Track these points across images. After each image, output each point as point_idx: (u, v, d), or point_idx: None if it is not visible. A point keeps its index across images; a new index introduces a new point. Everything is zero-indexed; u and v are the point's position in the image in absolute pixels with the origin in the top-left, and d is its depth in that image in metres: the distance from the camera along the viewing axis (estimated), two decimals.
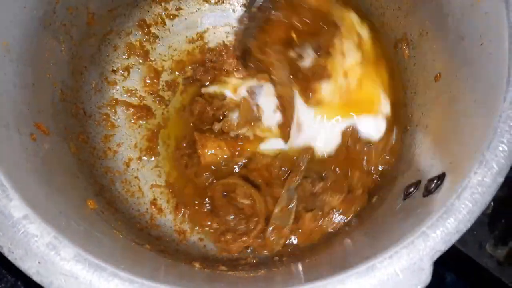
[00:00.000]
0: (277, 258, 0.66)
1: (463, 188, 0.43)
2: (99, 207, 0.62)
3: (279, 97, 0.74)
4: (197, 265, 0.59)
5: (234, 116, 0.75)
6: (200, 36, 0.82)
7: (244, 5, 0.81)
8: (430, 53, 0.63)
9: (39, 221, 0.43)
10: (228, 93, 0.77)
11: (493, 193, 0.44)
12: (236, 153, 0.74)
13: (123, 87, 0.78)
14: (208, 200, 0.72)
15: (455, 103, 0.55)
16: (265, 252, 0.67)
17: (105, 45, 0.77)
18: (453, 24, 0.57)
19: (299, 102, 0.71)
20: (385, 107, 0.70)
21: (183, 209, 0.73)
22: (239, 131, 0.74)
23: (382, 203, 0.62)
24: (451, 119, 0.55)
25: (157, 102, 0.79)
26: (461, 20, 0.56)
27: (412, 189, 0.54)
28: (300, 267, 0.55)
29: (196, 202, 0.73)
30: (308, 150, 0.71)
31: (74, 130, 0.69)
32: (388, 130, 0.69)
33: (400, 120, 0.70)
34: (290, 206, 0.67)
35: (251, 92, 0.76)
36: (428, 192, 0.49)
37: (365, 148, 0.69)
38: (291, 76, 0.71)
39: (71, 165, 0.64)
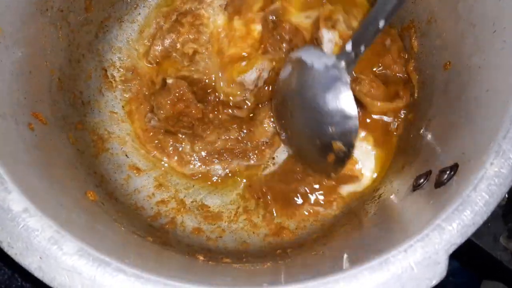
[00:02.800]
0: (280, 250, 0.65)
1: (479, 179, 0.42)
2: (100, 198, 0.60)
3: None
4: (201, 257, 0.58)
5: None
6: None
7: None
8: (439, 41, 0.62)
9: (39, 214, 0.41)
10: None
11: (510, 185, 0.42)
12: None
13: (122, 75, 0.76)
14: None
15: (466, 92, 0.54)
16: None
17: (103, 32, 0.75)
18: (464, 11, 0.56)
19: None
20: None
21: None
22: None
23: (389, 194, 0.61)
24: (462, 108, 0.54)
25: None
26: (473, 6, 0.54)
27: (422, 180, 0.53)
28: (308, 260, 0.54)
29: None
30: None
31: (73, 119, 0.67)
32: None
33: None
34: None
35: None
36: (440, 183, 0.48)
37: None
38: None
39: (70, 156, 0.62)
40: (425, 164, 0.56)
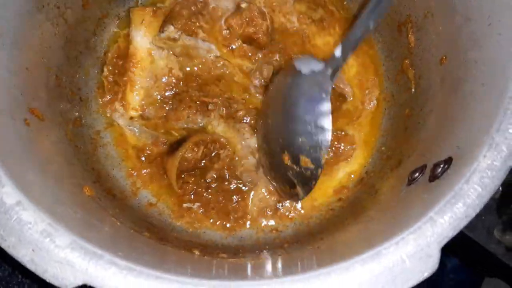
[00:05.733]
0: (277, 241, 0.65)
1: (471, 172, 0.42)
2: (97, 194, 0.61)
3: None
4: (197, 252, 0.58)
5: None
6: None
7: None
8: (435, 35, 0.62)
9: (33, 208, 0.42)
10: None
11: (503, 177, 0.42)
12: None
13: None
14: None
15: (461, 86, 0.54)
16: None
17: (100, 29, 0.75)
18: (460, 5, 0.55)
19: None
20: None
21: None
22: None
23: (385, 189, 0.61)
24: (457, 102, 0.54)
25: None
26: (468, 0, 0.54)
27: (417, 174, 0.53)
28: (302, 254, 0.54)
29: None
30: None
31: (70, 116, 0.67)
32: None
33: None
34: None
35: None
36: (434, 177, 0.48)
37: None
38: None
39: (67, 151, 0.63)
40: (421, 158, 0.56)
